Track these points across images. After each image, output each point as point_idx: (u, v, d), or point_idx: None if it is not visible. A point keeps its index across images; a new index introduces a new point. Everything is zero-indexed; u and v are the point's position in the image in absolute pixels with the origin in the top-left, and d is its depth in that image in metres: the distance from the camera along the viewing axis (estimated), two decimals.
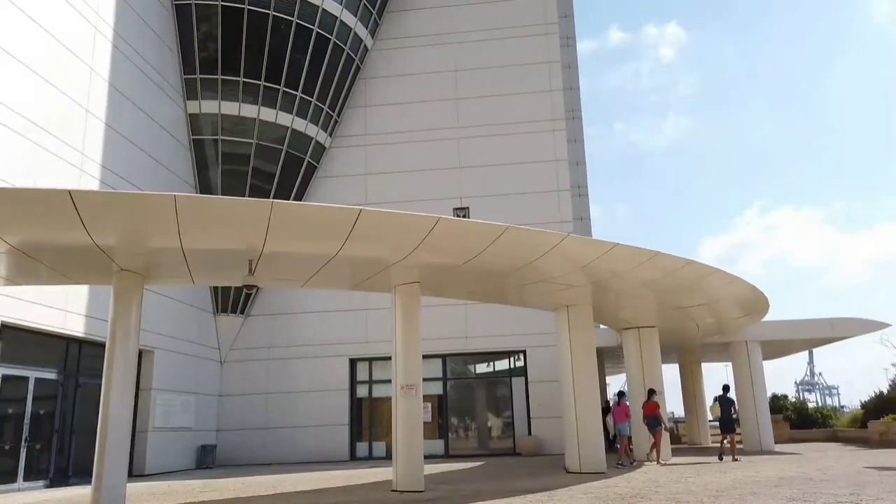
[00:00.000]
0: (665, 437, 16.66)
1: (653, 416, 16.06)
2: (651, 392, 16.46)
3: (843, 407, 48.92)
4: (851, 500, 8.21)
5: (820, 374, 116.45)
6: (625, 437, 16.26)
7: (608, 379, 33.50)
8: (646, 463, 15.90)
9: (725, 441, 16.56)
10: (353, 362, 23.27)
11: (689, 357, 27.07)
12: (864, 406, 25.23)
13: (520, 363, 22.74)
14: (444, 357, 22.88)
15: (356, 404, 23.19)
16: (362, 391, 23.35)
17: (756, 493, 9.26)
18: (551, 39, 25.39)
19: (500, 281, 12.60)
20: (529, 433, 21.69)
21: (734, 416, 16.84)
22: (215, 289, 22.71)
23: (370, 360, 23.01)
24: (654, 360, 17.17)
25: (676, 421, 31.80)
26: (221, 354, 23.23)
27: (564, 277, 12.16)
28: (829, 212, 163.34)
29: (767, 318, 18.84)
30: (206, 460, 21.13)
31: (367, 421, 23.19)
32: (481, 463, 18.58)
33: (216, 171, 22.47)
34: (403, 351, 11.89)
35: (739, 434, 18.82)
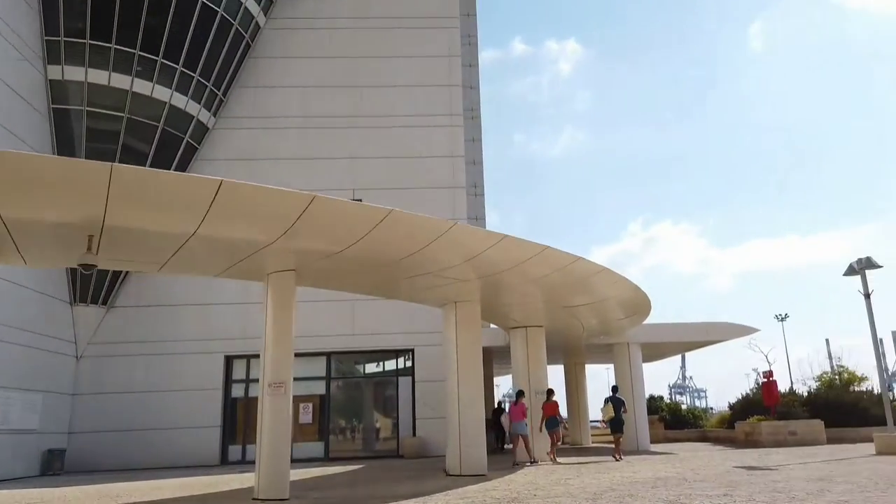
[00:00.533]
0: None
1: (552, 417, 16.16)
2: (550, 392, 16.56)
3: (711, 409, 52.02)
4: (725, 502, 8.11)
5: (691, 377, 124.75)
6: (524, 436, 15.98)
7: (497, 380, 33.54)
8: (546, 463, 15.74)
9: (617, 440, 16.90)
10: (228, 359, 21.71)
11: (573, 358, 27.49)
12: (731, 407, 26.57)
13: (408, 363, 22.07)
14: (328, 355, 21.83)
15: (230, 404, 21.63)
16: (238, 391, 21.82)
17: (634, 496, 9.04)
18: (452, 34, 24.99)
19: (385, 272, 11.83)
20: (414, 434, 21.06)
21: (622, 416, 17.08)
22: (73, 275, 20.44)
23: (248, 357, 21.52)
24: (541, 359, 17.02)
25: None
26: (78, 349, 20.95)
27: (452, 271, 11.59)
28: (705, 226, 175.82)
29: (648, 321, 19.32)
30: (54, 466, 18.90)
31: (242, 422, 21.67)
32: (360, 466, 17.71)
33: (80, 146, 20.24)
34: (273, 345, 10.87)
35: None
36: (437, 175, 23.25)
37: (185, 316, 21.69)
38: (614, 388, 17.94)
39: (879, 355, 16.57)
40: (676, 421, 27.11)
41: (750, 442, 21.20)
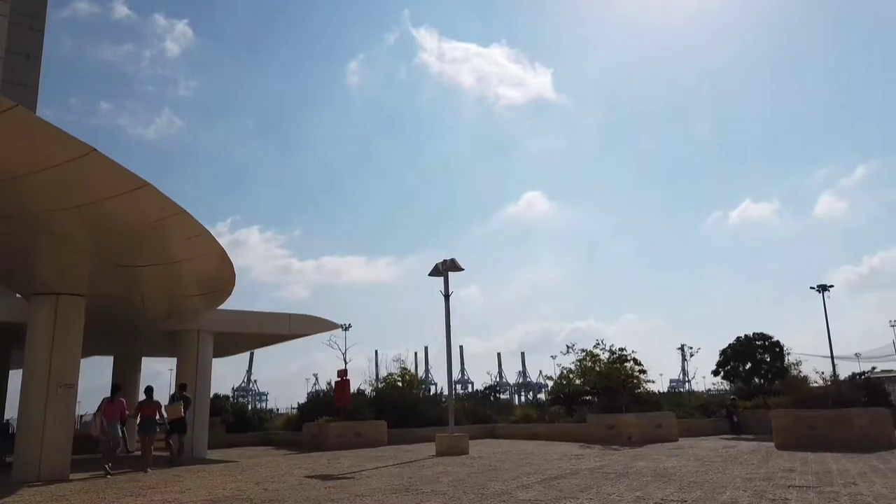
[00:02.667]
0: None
1: (151, 419, 14.30)
2: (151, 390, 14.69)
3: (277, 410, 51.26)
4: None
5: (255, 380, 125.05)
6: (118, 439, 13.50)
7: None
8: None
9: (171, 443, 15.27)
10: None
11: (128, 348, 22.59)
12: (300, 409, 25.24)
13: None
14: None
15: None
16: None
17: None
18: None
19: None
20: None
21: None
22: None
23: None
24: (71, 342, 12.40)
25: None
26: None
27: None
28: (289, 237, 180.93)
29: (224, 306, 16.48)
30: None
31: None
32: None
33: None
34: None
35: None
36: None
37: None
38: (183, 386, 16.21)
39: (450, 356, 16.96)
40: (241, 423, 24.49)
41: (316, 444, 19.88)
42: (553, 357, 72.99)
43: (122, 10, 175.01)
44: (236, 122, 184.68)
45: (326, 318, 20.55)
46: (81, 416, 23.61)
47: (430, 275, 17.49)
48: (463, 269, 17.20)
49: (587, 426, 20.20)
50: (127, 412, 13.78)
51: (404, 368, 25.29)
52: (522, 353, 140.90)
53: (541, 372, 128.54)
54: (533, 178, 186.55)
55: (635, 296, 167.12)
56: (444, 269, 17.15)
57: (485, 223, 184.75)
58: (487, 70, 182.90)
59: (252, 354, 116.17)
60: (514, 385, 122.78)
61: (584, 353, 24.39)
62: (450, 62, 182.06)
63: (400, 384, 24.60)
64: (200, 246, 10.32)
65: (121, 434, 13.54)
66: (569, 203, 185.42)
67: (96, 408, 13.36)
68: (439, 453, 15.79)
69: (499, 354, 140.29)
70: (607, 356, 23.43)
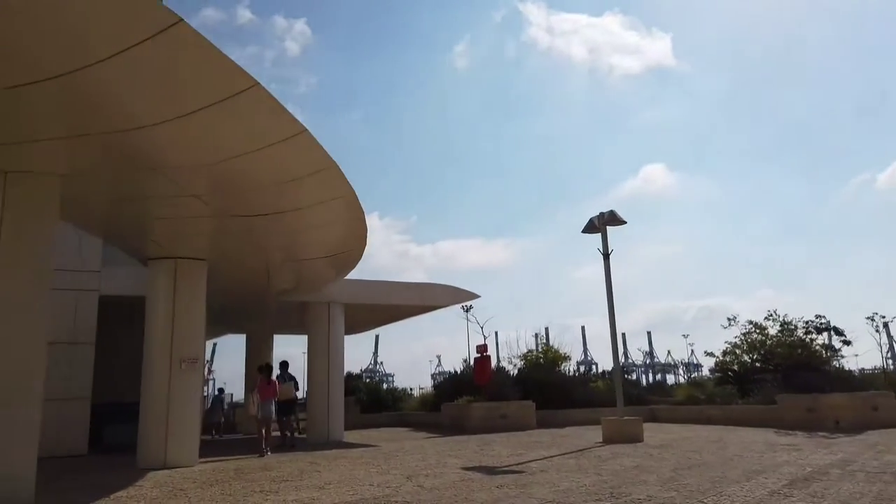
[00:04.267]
0: None
1: (270, 399, 13.36)
2: (270, 369, 14.22)
3: (410, 389, 50.63)
4: None
5: (381, 362, 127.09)
6: (269, 420, 13.26)
7: None
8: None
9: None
10: None
11: (260, 325, 21.80)
12: (435, 387, 23.56)
13: None
14: None
15: None
16: None
17: None
18: None
19: None
20: None
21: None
22: None
23: None
24: (195, 312, 11.02)
25: (234, 405, 26.39)
26: None
27: None
28: (407, 223, 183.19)
29: (352, 275, 14.95)
30: None
31: None
32: None
33: None
34: None
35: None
36: None
37: None
38: (285, 364, 15.54)
39: (613, 325, 14.30)
40: (375, 403, 23.19)
41: (457, 426, 17.99)
42: (685, 336, 67.89)
43: (245, 15, 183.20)
44: (351, 113, 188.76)
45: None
46: (221, 395, 23.18)
47: (584, 231, 14.87)
48: (625, 223, 14.45)
49: (777, 409, 16.80)
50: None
51: (546, 345, 22.87)
52: (649, 333, 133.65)
53: (669, 352, 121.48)
54: (653, 150, 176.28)
55: (770, 270, 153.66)
56: (602, 223, 14.47)
57: (601, 200, 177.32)
58: (600, 40, 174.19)
59: (377, 337, 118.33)
60: (642, 366, 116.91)
61: (750, 326, 20.98)
62: (559, 35, 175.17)
63: (541, 361, 22.22)
64: (335, 189, 8.40)
65: (274, 416, 13.39)
66: (693, 174, 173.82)
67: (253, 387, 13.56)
68: (608, 440, 13.29)
69: (623, 335, 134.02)
70: (779, 328, 19.92)
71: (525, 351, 22.94)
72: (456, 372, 22.10)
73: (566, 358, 22.40)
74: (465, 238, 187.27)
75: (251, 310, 18.09)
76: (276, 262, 11.89)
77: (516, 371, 21.62)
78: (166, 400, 10.33)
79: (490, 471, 8.88)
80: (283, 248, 11.03)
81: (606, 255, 14.45)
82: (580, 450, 11.67)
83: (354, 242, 11.24)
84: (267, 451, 12.68)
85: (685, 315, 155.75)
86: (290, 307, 17.49)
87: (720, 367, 24.82)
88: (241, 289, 14.43)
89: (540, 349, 22.49)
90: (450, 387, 21.15)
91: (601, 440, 13.43)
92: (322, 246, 11.39)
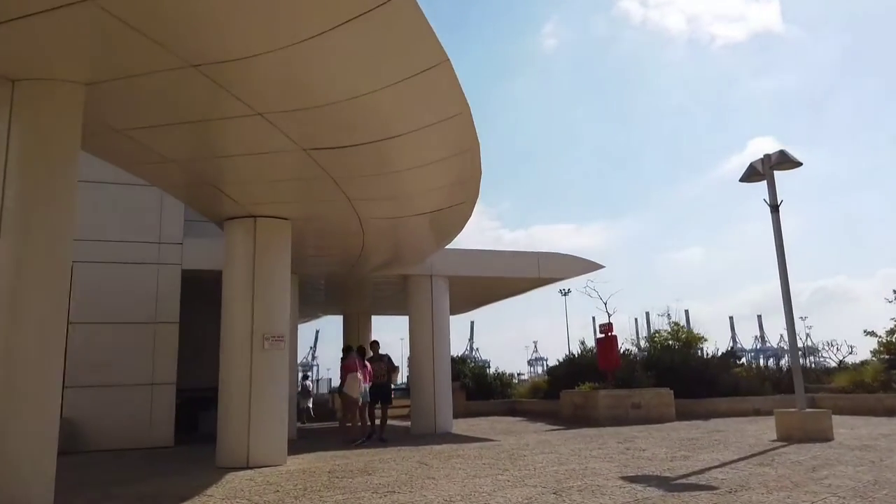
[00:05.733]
0: None
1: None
2: (363, 350, 12.58)
3: (519, 375, 48.37)
4: None
5: (477, 348, 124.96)
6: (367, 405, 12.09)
7: None
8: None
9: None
10: None
11: (355, 305, 20.22)
12: (549, 373, 21.18)
13: None
14: None
15: None
16: None
17: None
18: None
19: None
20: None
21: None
22: None
23: None
24: (279, 280, 9.18)
25: (332, 391, 25.13)
26: None
27: None
28: (499, 210, 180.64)
29: (457, 244, 12.91)
30: None
31: None
32: None
33: None
34: None
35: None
36: None
37: None
38: (375, 343, 13.22)
39: (787, 292, 11.39)
40: (481, 389, 21.09)
41: (580, 417, 15.58)
42: (803, 318, 61.55)
43: None
44: None
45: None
46: (306, 381, 21.80)
47: (742, 180, 11.99)
48: (800, 164, 11.46)
49: None
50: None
51: (676, 324, 19.95)
52: (759, 316, 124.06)
53: (781, 336, 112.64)
54: (760, 122, 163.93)
55: (892, 247, 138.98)
56: (769, 166, 11.54)
57: (705, 177, 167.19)
58: (699, 8, 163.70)
59: (472, 323, 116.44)
60: (752, 350, 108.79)
61: None
62: (654, 6, 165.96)
63: (670, 343, 19.36)
64: (452, 134, 6.31)
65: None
66: (806, 147, 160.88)
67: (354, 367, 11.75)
68: (785, 437, 10.51)
69: (731, 318, 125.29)
70: None
71: (651, 332, 20.18)
72: (572, 356, 19.60)
73: (702, 339, 19.43)
74: (559, 223, 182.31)
75: (345, 286, 16.35)
76: (371, 222, 9.87)
77: (643, 355, 18.89)
78: (247, 386, 8.58)
79: (664, 483, 6.49)
80: (385, 198, 8.97)
81: (775, 207, 11.51)
82: (761, 452, 9.02)
83: (466, 189, 9.02)
84: (362, 441, 11.06)
85: (799, 297, 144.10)
86: (388, 284, 15.65)
87: (886, 348, 20.97)
88: (331, 258, 12.62)
89: (669, 329, 19.59)
90: (565, 372, 18.71)
91: (775, 437, 10.68)
92: (428, 196, 9.24)
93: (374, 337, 20.47)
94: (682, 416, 15.59)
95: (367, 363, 12.17)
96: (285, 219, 9.26)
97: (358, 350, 12.41)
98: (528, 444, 10.86)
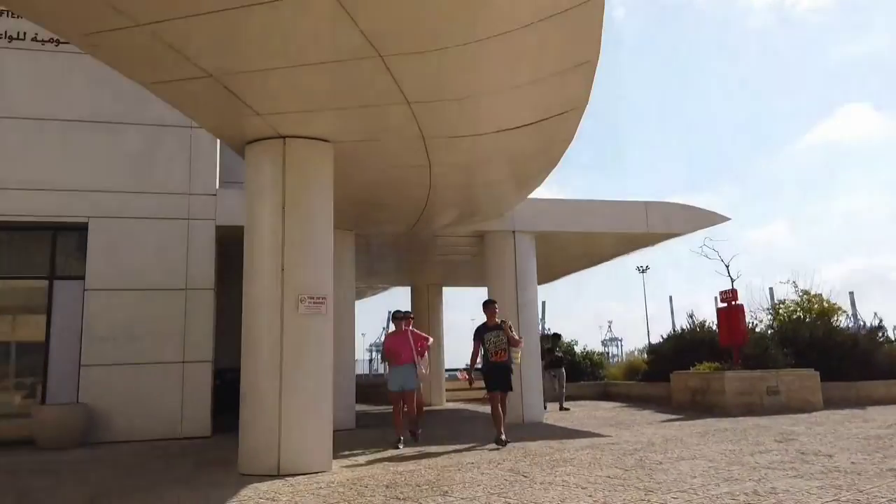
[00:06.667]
0: None
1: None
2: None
3: (614, 354, 45.09)
4: None
5: (549, 328, 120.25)
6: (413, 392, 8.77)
7: None
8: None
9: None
10: None
11: (425, 275, 17.88)
12: (651, 351, 18.24)
13: (76, 251, 10.95)
14: None
15: None
16: None
17: None
18: None
19: None
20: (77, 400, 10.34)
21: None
22: None
23: None
24: (319, 223, 6.78)
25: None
26: None
27: None
28: (568, 193, 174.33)
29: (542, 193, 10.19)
30: None
31: None
32: None
33: None
34: None
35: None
36: None
37: None
38: (491, 304, 8.85)
39: None
40: (570, 369, 18.38)
41: (699, 404, 12.72)
42: None
43: None
44: None
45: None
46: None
47: None
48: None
49: None
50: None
51: (806, 292, 16.61)
52: (851, 294, 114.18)
53: (875, 314, 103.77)
54: (851, 88, 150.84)
55: None
56: None
57: (789, 149, 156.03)
58: None
59: (543, 304, 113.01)
60: (847, 329, 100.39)
61: None
62: None
63: (800, 315, 16.09)
64: None
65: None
66: None
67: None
68: None
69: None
70: None
71: (775, 302, 16.92)
72: (682, 330, 16.57)
73: (839, 310, 16.07)
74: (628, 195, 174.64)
75: (410, 248, 13.94)
76: (438, 154, 7.35)
77: (769, 329, 15.72)
78: (277, 365, 6.27)
79: None
80: (452, 116, 6.43)
81: None
82: None
83: (571, 95, 6.33)
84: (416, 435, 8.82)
85: (893, 273, 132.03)
86: (461, 244, 13.15)
87: None
88: (390, 208, 10.21)
89: (800, 298, 16.29)
90: (672, 350, 15.77)
91: None
92: (514, 109, 6.62)
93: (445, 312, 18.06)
94: (830, 403, 12.50)
95: (413, 331, 9.03)
96: (326, 141, 6.86)
97: (394, 316, 9.21)
98: (652, 441, 8.19)
